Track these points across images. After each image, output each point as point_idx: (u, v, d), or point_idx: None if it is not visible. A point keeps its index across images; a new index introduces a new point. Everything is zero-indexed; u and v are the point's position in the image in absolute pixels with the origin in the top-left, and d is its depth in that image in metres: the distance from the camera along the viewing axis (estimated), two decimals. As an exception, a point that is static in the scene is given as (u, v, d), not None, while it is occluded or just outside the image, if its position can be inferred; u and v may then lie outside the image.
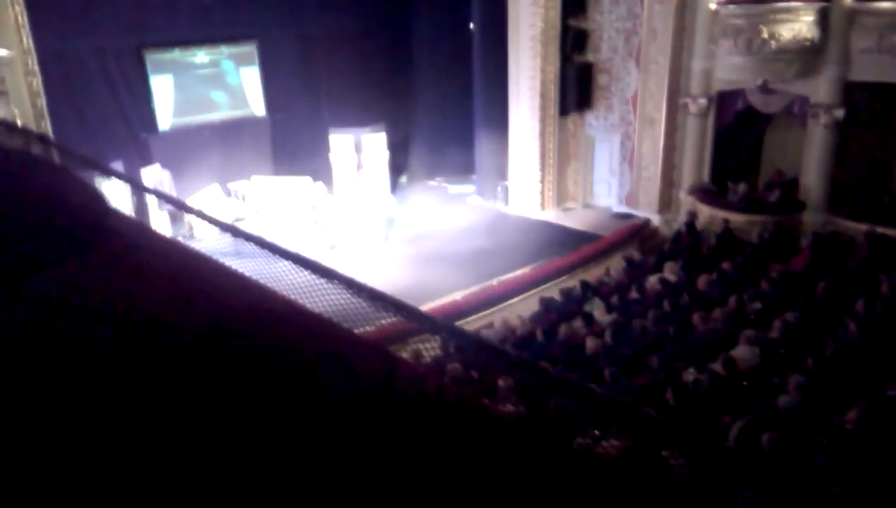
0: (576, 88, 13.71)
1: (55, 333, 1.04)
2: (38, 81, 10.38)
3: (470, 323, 9.37)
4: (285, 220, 13.01)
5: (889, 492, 4.40)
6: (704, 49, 12.08)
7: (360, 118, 14.44)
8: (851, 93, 11.06)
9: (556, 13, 13.32)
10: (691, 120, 12.62)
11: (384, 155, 14.64)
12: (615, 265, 10.81)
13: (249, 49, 14.79)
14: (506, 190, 14.72)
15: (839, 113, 11.05)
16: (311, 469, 0.84)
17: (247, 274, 1.75)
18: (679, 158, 13.00)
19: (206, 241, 2.73)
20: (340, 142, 14.38)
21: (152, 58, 13.75)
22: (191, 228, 12.15)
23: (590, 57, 13.77)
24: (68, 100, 12.19)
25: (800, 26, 10.82)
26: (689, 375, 6.36)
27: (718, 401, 5.86)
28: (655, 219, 13.25)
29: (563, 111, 13.96)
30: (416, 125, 16.38)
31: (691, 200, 12.66)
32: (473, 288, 10.62)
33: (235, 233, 2.60)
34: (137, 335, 1.02)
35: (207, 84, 14.56)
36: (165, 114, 14.09)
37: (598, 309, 8.69)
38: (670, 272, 9.72)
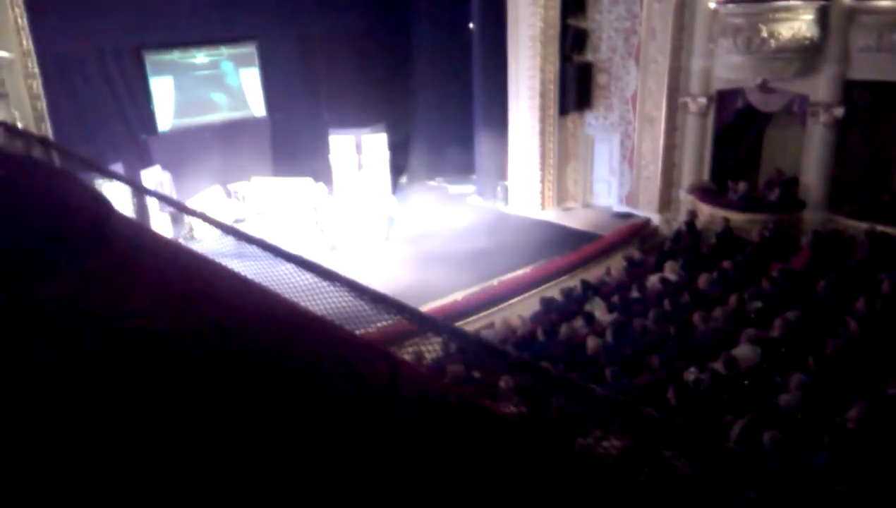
0: (575, 88, 13.72)
1: (59, 338, 1.05)
2: (38, 83, 10.38)
3: (470, 324, 9.37)
4: (286, 221, 13.02)
5: (891, 491, 4.40)
6: (704, 48, 12.08)
7: (360, 118, 14.46)
8: (851, 91, 11.06)
9: (555, 13, 13.32)
10: (691, 119, 12.62)
11: (384, 155, 14.65)
12: (616, 264, 10.82)
13: (249, 50, 14.80)
14: (506, 190, 14.72)
15: (839, 111, 11.05)
16: (315, 472, 0.84)
17: (249, 276, 1.76)
18: (679, 157, 13.00)
19: (206, 243, 2.73)
20: (340, 142, 14.39)
21: (152, 59, 13.77)
22: (191, 229, 12.16)
23: (589, 56, 13.78)
24: (68, 102, 12.19)
25: (799, 25, 10.82)
26: (691, 374, 6.36)
27: (719, 400, 5.87)
28: (655, 219, 13.26)
29: (563, 111, 13.97)
30: (416, 125, 16.39)
31: (691, 199, 12.66)
32: (474, 289, 10.62)
33: (237, 235, 2.60)
34: (141, 339, 1.02)
35: (207, 85, 14.58)
36: (166, 116, 14.11)
37: (598, 309, 8.70)
38: (671, 271, 9.73)
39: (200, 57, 14.37)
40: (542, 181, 14.24)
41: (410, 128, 16.37)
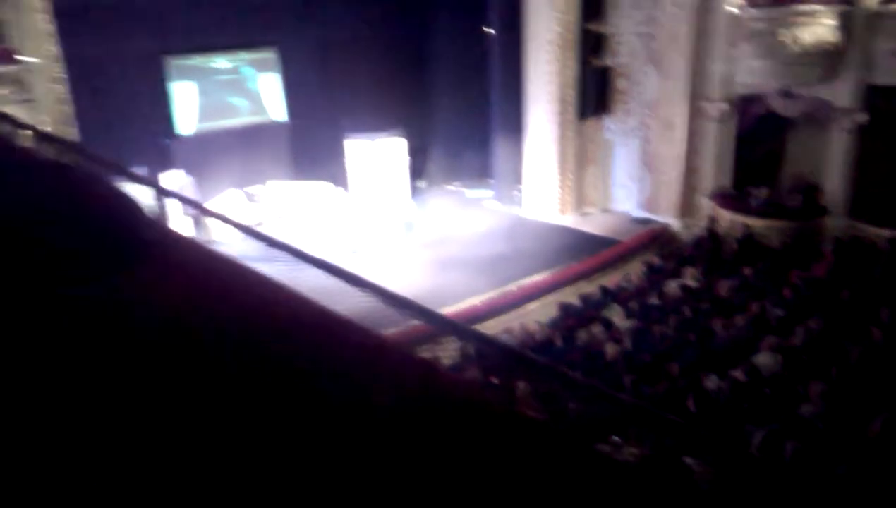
0: (594, 92, 13.69)
1: (100, 346, 1.08)
2: (64, 88, 10.56)
3: (488, 328, 9.37)
4: (305, 225, 13.10)
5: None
6: (724, 53, 12.01)
7: (378, 123, 14.52)
8: (874, 97, 10.93)
9: (574, 17, 13.31)
10: (711, 124, 12.54)
11: (403, 159, 14.70)
12: (635, 270, 10.77)
13: (269, 55, 14.96)
14: (523, 194, 14.71)
15: (861, 117, 10.93)
16: (353, 475, 0.86)
17: (276, 278, 1.78)
18: (699, 163, 12.92)
19: (230, 246, 2.78)
20: (359, 146, 14.47)
21: (175, 64, 13.97)
22: (212, 233, 12.26)
23: (608, 61, 13.74)
24: (93, 107, 12.38)
25: (821, 30, 10.72)
26: (710, 382, 6.32)
27: (740, 409, 5.82)
28: (675, 224, 13.18)
29: (582, 115, 13.94)
30: (433, 129, 16.44)
31: (711, 205, 12.57)
32: (492, 293, 10.62)
33: (263, 238, 2.64)
34: (182, 345, 1.05)
35: (228, 90, 14.75)
36: (188, 120, 14.29)
37: (617, 315, 8.66)
38: (691, 278, 9.67)
39: (222, 62, 14.54)
40: (561, 186, 14.20)
41: (428, 133, 16.43)
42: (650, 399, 6.03)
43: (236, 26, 13.95)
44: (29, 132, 3.53)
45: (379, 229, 13.14)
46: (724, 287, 9.00)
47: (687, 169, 12.95)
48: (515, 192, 14.83)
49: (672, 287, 9.38)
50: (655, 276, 10.19)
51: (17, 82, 10.04)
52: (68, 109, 10.61)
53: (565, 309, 9.09)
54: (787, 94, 11.47)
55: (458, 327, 2.03)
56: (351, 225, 12.96)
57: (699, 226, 12.46)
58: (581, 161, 14.31)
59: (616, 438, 4.61)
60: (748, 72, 11.70)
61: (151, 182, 3.26)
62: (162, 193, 4.63)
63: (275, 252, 2.65)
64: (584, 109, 13.86)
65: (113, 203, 1.49)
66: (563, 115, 13.79)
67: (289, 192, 14.32)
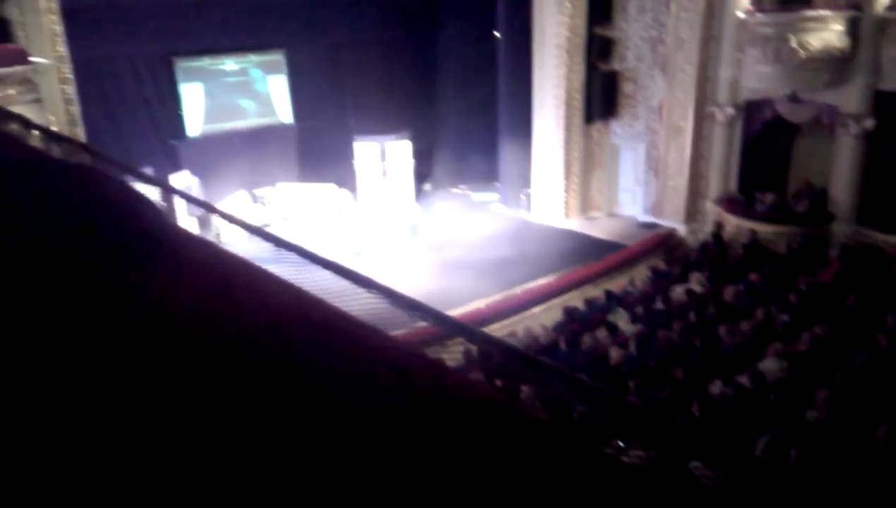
0: (601, 96, 13.70)
1: (114, 343, 1.09)
2: (71, 89, 10.62)
3: (493, 331, 9.36)
4: (311, 226, 13.13)
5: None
6: (731, 58, 12.00)
7: (385, 126, 14.56)
8: (882, 102, 10.90)
9: (581, 21, 13.33)
10: (718, 129, 12.52)
11: (409, 162, 14.72)
12: (640, 275, 10.75)
13: (277, 57, 15.00)
14: (529, 198, 14.71)
15: (869, 123, 10.91)
16: (363, 475, 0.87)
17: (284, 277, 1.79)
18: (705, 168, 12.90)
19: (237, 247, 2.79)
20: (365, 149, 14.50)
21: (182, 65, 14.03)
22: (218, 234, 12.31)
23: (615, 65, 13.75)
24: (100, 108, 12.46)
25: (829, 35, 10.70)
26: (715, 388, 6.31)
27: (745, 415, 5.81)
28: (681, 229, 13.16)
29: (588, 119, 13.95)
30: (440, 133, 16.47)
31: (718, 210, 12.55)
32: (497, 296, 10.62)
33: (270, 239, 2.65)
34: (197, 343, 1.06)
35: (236, 91, 14.80)
36: (195, 121, 14.34)
37: (622, 320, 8.65)
38: (696, 283, 9.65)
39: (230, 64, 14.60)
40: (567, 190, 14.21)
41: (435, 136, 16.45)
42: (655, 403, 6.02)
43: (244, 28, 14.02)
44: (39, 132, 3.56)
45: (384, 231, 13.16)
46: (729, 292, 8.97)
47: (693, 174, 12.94)
48: (522, 196, 14.83)
49: (678, 292, 9.36)
50: (661, 281, 10.17)
51: (25, 82, 10.09)
52: (75, 110, 10.66)
53: (570, 313, 9.08)
54: (794, 100, 11.45)
55: (468, 329, 2.03)
56: (356, 227, 12.98)
57: (705, 232, 12.44)
58: (587, 165, 14.31)
59: (620, 444, 4.61)
60: (755, 77, 11.69)
61: (161, 182, 3.28)
62: (171, 193, 4.66)
63: (282, 252, 2.66)
64: (590, 113, 13.87)
65: (128, 201, 1.51)
66: (569, 119, 13.79)
67: (295, 194, 14.35)
